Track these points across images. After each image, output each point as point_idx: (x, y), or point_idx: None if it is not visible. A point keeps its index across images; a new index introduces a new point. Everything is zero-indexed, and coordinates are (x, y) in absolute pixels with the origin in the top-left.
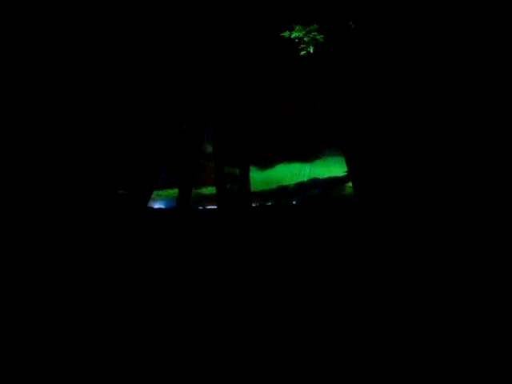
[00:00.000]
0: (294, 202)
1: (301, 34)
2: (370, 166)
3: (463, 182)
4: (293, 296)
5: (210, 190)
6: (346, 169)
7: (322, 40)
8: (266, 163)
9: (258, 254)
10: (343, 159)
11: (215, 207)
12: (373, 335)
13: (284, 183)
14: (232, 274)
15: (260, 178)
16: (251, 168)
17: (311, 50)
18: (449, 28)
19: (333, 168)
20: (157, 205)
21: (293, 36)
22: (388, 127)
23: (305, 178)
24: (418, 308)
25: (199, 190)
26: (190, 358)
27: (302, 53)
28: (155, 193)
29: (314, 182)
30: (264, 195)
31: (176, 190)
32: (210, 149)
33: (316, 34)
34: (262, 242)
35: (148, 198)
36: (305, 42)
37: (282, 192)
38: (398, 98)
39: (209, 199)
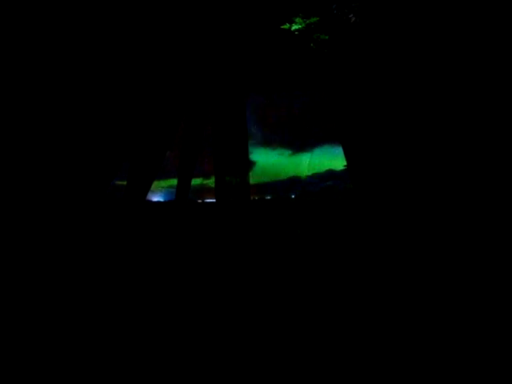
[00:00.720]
0: (292, 196)
1: (301, 27)
2: (368, 159)
3: (463, 176)
4: (291, 291)
5: None
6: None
7: (324, 37)
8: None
9: (255, 248)
10: None
11: (214, 200)
12: (372, 332)
13: (298, 174)
14: (229, 269)
15: (272, 168)
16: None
17: (312, 44)
18: (450, 22)
19: None
20: (156, 197)
21: (293, 29)
22: (387, 121)
23: (321, 170)
24: (417, 304)
25: (207, 181)
26: (189, 355)
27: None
28: (156, 183)
29: (330, 174)
30: (275, 186)
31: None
32: None
33: (319, 35)
34: (260, 236)
35: (147, 190)
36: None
37: (295, 182)
38: (397, 93)
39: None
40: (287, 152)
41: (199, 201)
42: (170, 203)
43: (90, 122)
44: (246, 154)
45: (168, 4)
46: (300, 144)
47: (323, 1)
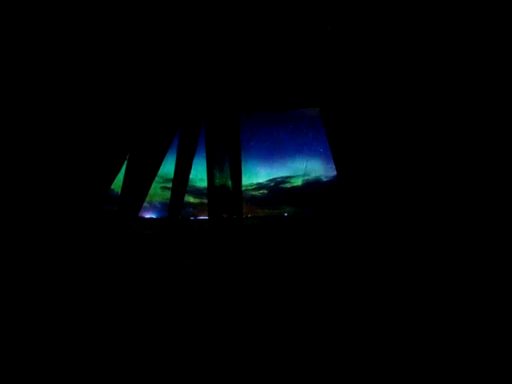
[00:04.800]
0: (285, 214)
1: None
2: (361, 171)
3: (462, 184)
4: (284, 307)
5: None
6: None
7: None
8: None
9: (247, 266)
10: None
11: (206, 218)
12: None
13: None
14: (221, 288)
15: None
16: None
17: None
18: (444, 30)
19: None
20: (148, 213)
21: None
22: (381, 132)
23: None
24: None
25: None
26: (175, 371)
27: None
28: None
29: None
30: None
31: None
32: None
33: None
34: (252, 254)
35: (140, 205)
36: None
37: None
38: (390, 102)
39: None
40: (282, 163)
41: (192, 218)
42: (163, 220)
43: (83, 131)
44: (239, 168)
45: (165, 13)
46: (294, 154)
47: (318, 21)
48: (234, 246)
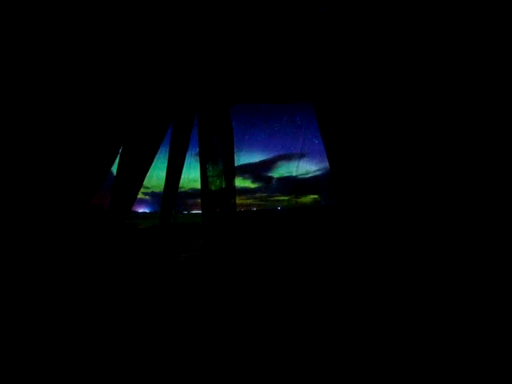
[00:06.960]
0: (278, 208)
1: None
2: (354, 164)
3: (461, 184)
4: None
5: None
6: None
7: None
8: None
9: (240, 260)
10: None
11: (199, 212)
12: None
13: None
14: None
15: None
16: None
17: None
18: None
19: None
20: (141, 205)
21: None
22: (374, 126)
23: None
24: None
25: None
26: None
27: None
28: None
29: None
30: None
31: None
32: None
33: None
34: (246, 248)
35: (133, 200)
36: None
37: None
38: (384, 95)
39: None
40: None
41: (185, 212)
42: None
43: (73, 125)
44: (232, 161)
45: (159, 11)
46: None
47: (310, 14)
48: (227, 240)
